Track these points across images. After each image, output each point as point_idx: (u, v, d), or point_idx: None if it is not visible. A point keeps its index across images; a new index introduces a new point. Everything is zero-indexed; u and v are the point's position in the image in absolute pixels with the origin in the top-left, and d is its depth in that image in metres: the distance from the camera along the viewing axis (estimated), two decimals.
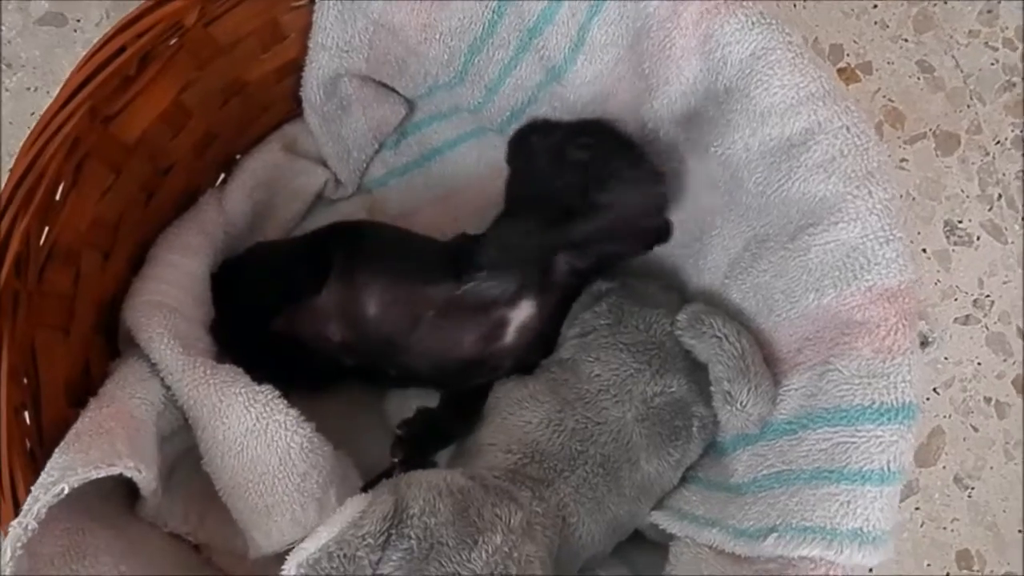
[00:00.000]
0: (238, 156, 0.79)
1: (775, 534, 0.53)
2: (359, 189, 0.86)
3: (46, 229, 0.57)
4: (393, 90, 0.81)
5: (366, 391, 0.73)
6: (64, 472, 0.47)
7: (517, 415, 0.63)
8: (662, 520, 0.62)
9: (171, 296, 0.62)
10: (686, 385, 0.65)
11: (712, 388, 0.62)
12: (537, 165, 0.62)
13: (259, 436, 0.54)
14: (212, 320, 0.68)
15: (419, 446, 0.63)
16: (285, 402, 0.56)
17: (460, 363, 0.66)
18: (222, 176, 0.79)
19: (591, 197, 0.57)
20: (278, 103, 0.77)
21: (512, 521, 0.55)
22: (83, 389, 0.59)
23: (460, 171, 0.85)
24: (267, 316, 0.67)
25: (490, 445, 0.62)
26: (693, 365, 0.65)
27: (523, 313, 0.64)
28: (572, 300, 0.69)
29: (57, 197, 0.57)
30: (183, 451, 0.63)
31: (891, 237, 0.52)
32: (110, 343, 0.66)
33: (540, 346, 0.66)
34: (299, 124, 0.81)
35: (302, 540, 0.51)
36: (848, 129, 0.54)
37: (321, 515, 0.54)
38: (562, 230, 0.59)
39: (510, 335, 0.65)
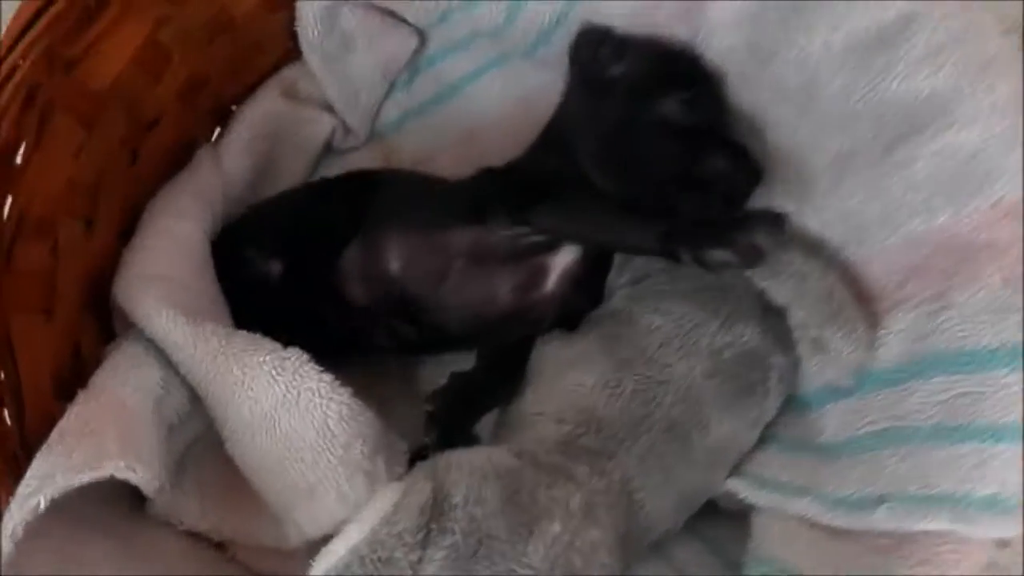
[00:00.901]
0: (234, 108, 0.71)
1: (886, 505, 0.45)
2: (371, 136, 0.77)
3: (9, 198, 0.49)
4: (401, 19, 0.71)
5: (395, 361, 0.65)
6: (43, 481, 0.40)
7: (567, 378, 0.54)
8: (740, 488, 0.54)
9: (167, 265, 0.54)
10: (760, 333, 0.56)
11: (796, 334, 0.53)
12: (611, 112, 0.56)
13: (291, 407, 0.47)
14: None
15: (455, 420, 0.55)
16: (316, 366, 0.48)
17: (497, 318, 0.59)
18: (218, 130, 0.71)
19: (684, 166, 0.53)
20: (273, 41, 0.69)
21: (571, 504, 0.47)
22: (73, 379, 0.52)
23: (483, 108, 0.75)
24: (282, 285, 0.59)
25: (537, 415, 0.54)
26: (766, 309, 0.56)
27: (566, 258, 0.58)
28: None
29: (18, 159, 0.49)
30: (194, 439, 0.55)
31: (1020, 140, 0.42)
32: (103, 325, 0.58)
33: (586, 295, 0.59)
34: (299, 66, 0.72)
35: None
36: (958, 12, 0.44)
37: (371, 488, 0.47)
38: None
39: (551, 283, 0.58)
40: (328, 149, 0.76)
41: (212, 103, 0.67)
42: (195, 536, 0.52)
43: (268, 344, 0.50)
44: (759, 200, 0.58)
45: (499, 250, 0.57)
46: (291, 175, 0.73)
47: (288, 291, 0.60)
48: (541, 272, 0.58)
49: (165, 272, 0.53)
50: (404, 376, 0.67)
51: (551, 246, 0.57)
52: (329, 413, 0.48)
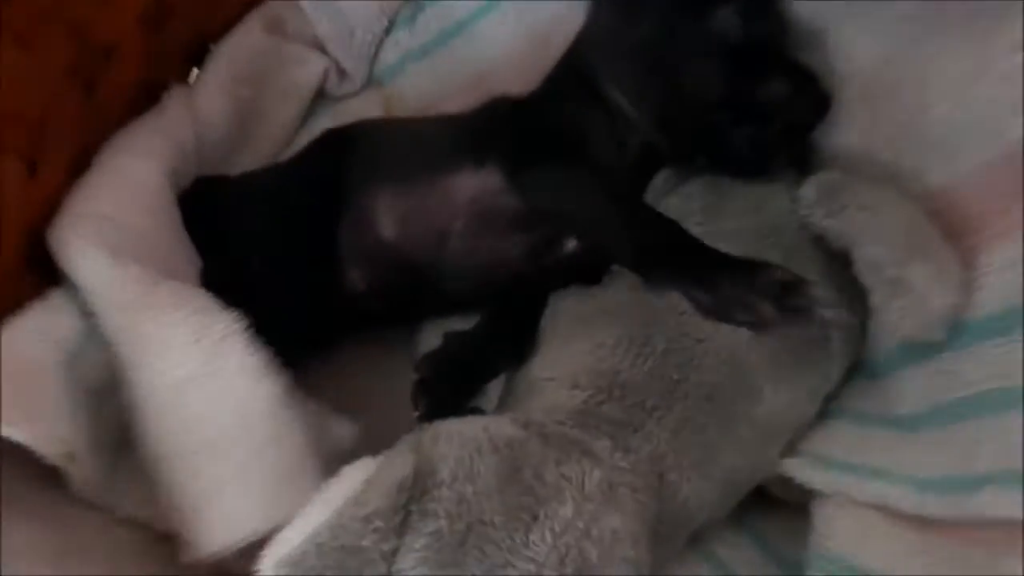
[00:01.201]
0: (212, 48, 0.63)
1: (993, 486, 0.35)
2: (369, 81, 0.69)
3: None
4: None
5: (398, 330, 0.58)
6: None
7: (584, 336, 0.45)
8: (798, 470, 0.45)
9: (109, 204, 0.46)
10: (819, 283, 0.46)
11: (868, 279, 0.43)
12: (649, 24, 0.49)
13: (206, 383, 0.38)
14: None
15: (449, 389, 0.46)
16: (250, 340, 0.39)
17: (509, 280, 0.52)
18: (195, 72, 0.62)
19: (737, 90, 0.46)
20: None
21: (587, 483, 0.38)
22: None
23: (493, 47, 0.67)
24: (269, 273, 0.52)
25: (548, 380, 0.45)
26: (827, 256, 0.47)
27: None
28: (647, 181, 0.51)
29: None
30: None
31: None
32: (51, 284, 0.50)
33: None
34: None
35: (277, 531, 0.34)
36: None
37: (296, 499, 0.37)
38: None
39: (572, 241, 0.51)
40: (321, 95, 0.67)
41: (184, 36, 0.59)
42: (139, 525, 0.44)
43: (198, 301, 0.41)
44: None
45: (508, 210, 0.50)
46: (279, 123, 0.65)
47: (273, 290, 0.52)
48: (556, 236, 0.50)
49: (105, 211, 0.45)
50: (402, 348, 0.59)
51: None
52: (253, 399, 0.39)
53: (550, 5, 0.63)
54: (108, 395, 0.42)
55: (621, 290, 0.47)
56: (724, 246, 0.46)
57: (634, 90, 0.50)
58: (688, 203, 0.50)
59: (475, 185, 0.51)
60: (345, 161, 0.55)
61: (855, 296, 0.46)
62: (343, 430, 0.44)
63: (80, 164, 0.53)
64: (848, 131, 0.48)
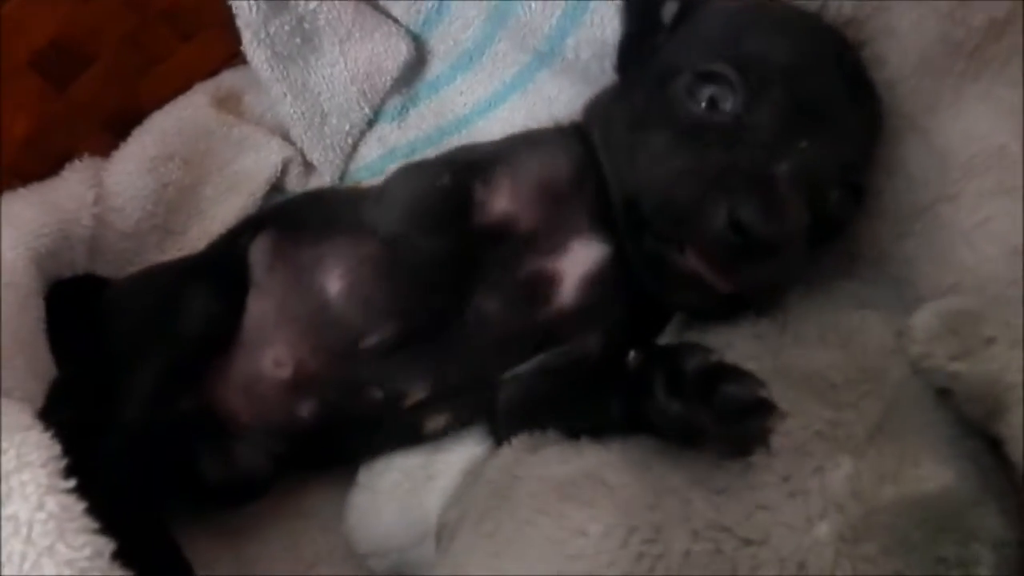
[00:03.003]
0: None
1: None
2: (343, 179, 0.56)
3: None
4: (388, 16, 0.52)
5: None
6: None
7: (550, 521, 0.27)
8: None
9: None
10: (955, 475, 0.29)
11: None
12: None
13: None
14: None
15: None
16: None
17: (486, 347, 0.42)
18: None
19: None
20: (208, 25, 0.50)
21: None
22: None
23: None
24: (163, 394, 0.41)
25: None
26: (953, 417, 0.30)
27: (582, 259, 0.41)
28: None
29: None
30: None
31: None
32: None
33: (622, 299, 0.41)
34: (247, 71, 0.52)
35: None
36: None
37: None
38: None
39: (568, 293, 0.41)
40: (279, 190, 0.54)
41: (104, 98, 0.48)
42: None
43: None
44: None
45: (484, 256, 0.41)
46: (220, 218, 0.53)
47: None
48: (547, 282, 0.41)
49: None
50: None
51: (554, 247, 0.41)
52: None
53: (563, 97, 0.51)
54: None
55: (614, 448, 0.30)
56: (791, 394, 0.30)
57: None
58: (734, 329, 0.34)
59: (451, 240, 0.41)
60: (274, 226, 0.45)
61: (1006, 487, 0.28)
62: None
63: None
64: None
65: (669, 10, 0.42)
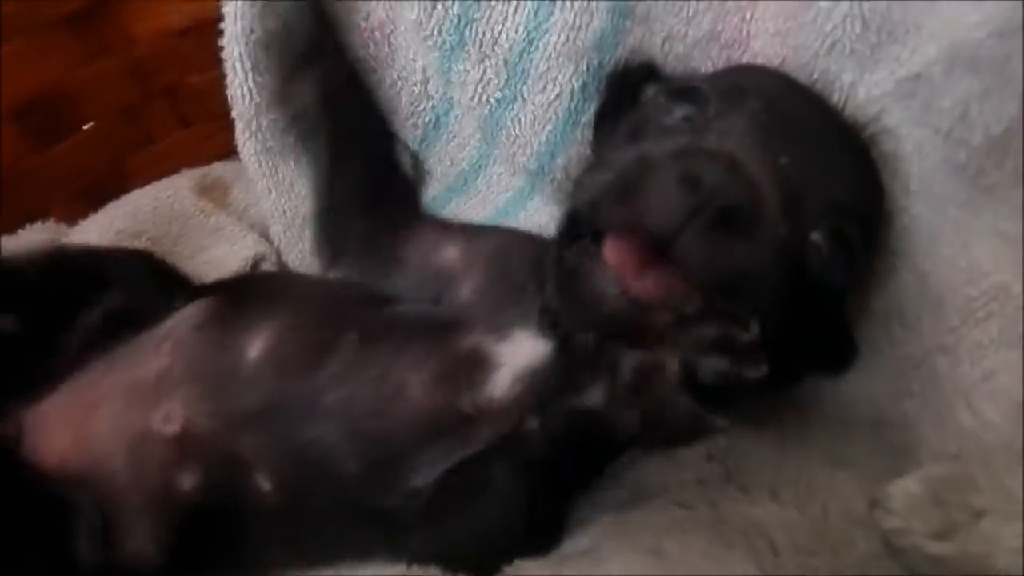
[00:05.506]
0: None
1: None
2: None
3: None
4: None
5: None
6: None
7: None
8: None
9: None
10: None
11: None
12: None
13: None
14: None
15: None
16: None
17: (416, 423, 0.38)
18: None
19: None
20: (209, 116, 0.50)
21: None
22: None
23: None
24: None
25: None
26: None
27: (522, 352, 0.37)
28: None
29: None
30: None
31: None
32: None
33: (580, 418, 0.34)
34: (239, 165, 0.52)
35: None
36: None
37: None
38: None
39: (502, 384, 0.37)
40: None
41: (88, 164, 0.47)
42: None
43: None
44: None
45: (410, 322, 0.41)
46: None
47: None
48: (477, 363, 0.38)
49: None
50: None
51: (494, 325, 0.38)
52: None
53: (553, 226, 0.48)
54: None
55: None
56: (716, 551, 0.23)
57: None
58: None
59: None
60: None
61: None
62: None
63: None
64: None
65: (649, 92, 0.40)
